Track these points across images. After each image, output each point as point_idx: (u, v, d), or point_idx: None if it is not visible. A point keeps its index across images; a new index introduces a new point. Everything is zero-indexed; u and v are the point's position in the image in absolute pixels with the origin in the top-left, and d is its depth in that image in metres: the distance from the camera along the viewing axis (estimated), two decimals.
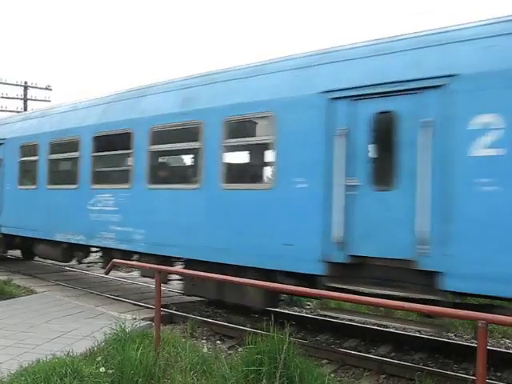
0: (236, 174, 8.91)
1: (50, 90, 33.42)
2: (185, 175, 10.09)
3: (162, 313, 6.47)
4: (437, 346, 7.68)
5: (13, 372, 5.22)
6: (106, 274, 8.78)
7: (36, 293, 10.72)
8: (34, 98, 32.76)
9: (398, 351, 7.64)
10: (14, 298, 9.95)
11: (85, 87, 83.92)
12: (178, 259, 9.29)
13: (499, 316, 3.65)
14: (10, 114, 26.37)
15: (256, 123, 8.36)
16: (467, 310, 4.25)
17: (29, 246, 13.42)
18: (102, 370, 5.15)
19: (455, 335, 8.67)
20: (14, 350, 6.40)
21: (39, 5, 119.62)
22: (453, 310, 3.89)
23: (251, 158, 9.48)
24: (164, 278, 8.60)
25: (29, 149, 12.77)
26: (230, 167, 8.57)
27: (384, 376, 6.62)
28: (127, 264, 8.15)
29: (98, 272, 14.10)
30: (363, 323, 8.67)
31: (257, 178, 9.08)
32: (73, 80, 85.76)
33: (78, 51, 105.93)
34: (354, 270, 6.69)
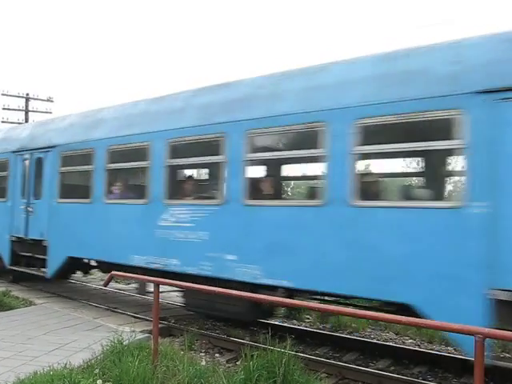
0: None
1: (52, 101, 33.64)
2: None
3: (160, 325, 6.46)
4: (436, 359, 7.65)
5: None
6: (105, 286, 8.75)
7: (35, 304, 10.71)
8: (35, 109, 32.97)
9: (397, 365, 7.61)
10: (13, 309, 9.95)
11: (86, 99, 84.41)
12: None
13: (497, 330, 3.65)
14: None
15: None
16: None
17: None
18: (100, 382, 5.15)
19: (455, 349, 8.63)
20: (12, 361, 6.38)
21: (41, 17, 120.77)
22: (447, 324, 3.88)
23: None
24: None
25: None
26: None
27: None
28: (126, 276, 8.13)
29: (96, 284, 14.09)
30: (362, 337, 8.62)
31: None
32: (74, 92, 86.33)
33: (80, 63, 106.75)
34: None
